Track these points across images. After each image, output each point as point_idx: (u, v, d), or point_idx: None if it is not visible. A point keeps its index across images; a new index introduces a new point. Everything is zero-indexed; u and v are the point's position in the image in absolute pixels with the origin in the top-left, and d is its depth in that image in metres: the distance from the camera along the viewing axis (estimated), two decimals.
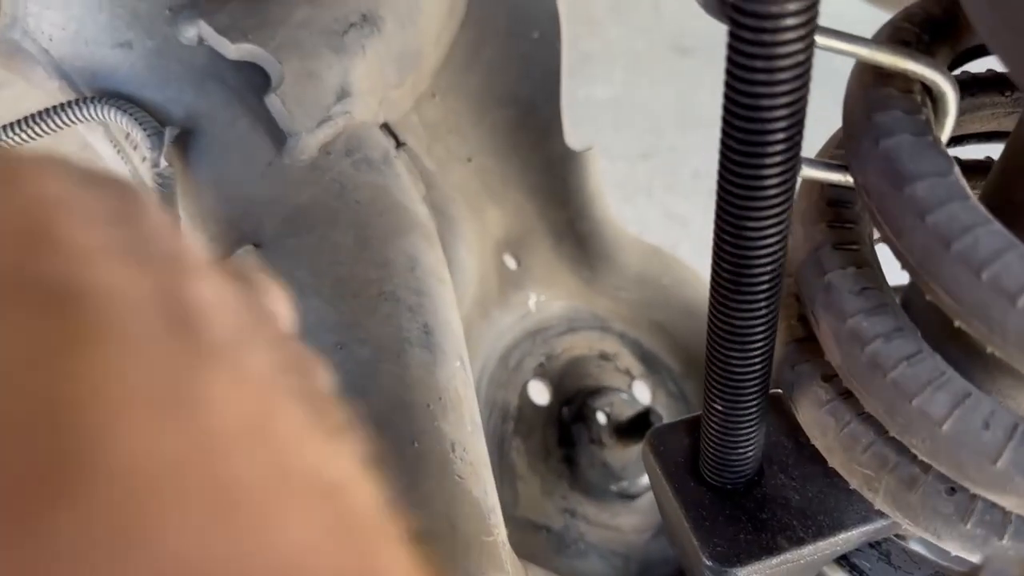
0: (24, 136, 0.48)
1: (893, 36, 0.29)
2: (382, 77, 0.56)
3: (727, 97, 0.23)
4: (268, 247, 0.48)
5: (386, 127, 0.58)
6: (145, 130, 0.47)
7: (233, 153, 0.49)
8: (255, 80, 0.51)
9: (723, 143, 0.24)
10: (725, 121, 0.23)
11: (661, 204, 1.34)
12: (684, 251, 1.32)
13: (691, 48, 1.67)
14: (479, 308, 0.61)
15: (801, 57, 0.21)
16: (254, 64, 0.50)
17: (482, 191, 0.65)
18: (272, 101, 0.49)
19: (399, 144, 0.58)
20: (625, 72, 1.49)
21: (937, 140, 0.26)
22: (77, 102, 0.48)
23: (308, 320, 0.46)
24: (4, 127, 0.48)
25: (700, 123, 1.54)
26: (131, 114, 0.47)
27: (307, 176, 0.50)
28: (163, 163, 0.46)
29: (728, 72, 0.22)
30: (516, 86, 0.64)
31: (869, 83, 0.28)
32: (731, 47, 0.22)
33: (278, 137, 0.50)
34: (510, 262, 0.66)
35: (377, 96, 0.56)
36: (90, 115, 0.48)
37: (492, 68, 0.64)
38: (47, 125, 0.48)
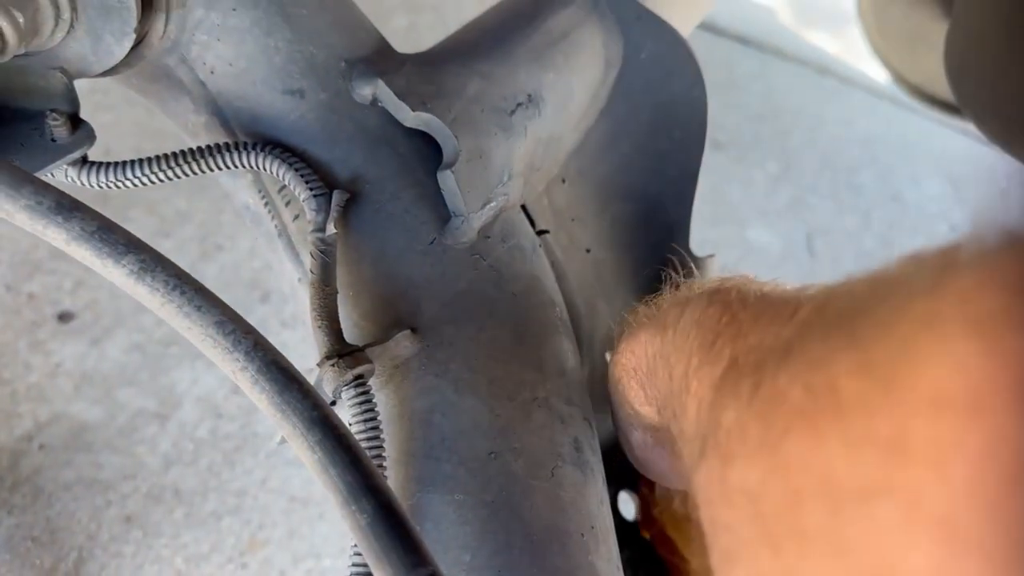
0: (168, 175, 0.44)
1: None
2: (531, 159, 0.53)
3: None
4: (425, 333, 0.44)
5: (524, 210, 0.55)
6: (311, 190, 0.43)
7: (395, 227, 0.45)
8: (424, 152, 0.47)
9: None
10: None
11: None
12: None
13: (724, 143, 1.68)
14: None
15: None
16: (423, 134, 0.47)
17: (595, 284, 0.62)
18: (445, 178, 0.45)
19: (537, 230, 0.55)
20: None
21: None
22: (237, 146, 0.44)
23: (462, 423, 0.42)
24: (145, 161, 0.44)
25: (729, 219, 1.55)
26: (298, 170, 0.44)
27: (467, 260, 0.46)
28: (331, 229, 0.42)
29: None
30: (647, 182, 0.62)
31: None
32: None
33: (441, 215, 0.46)
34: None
35: (524, 178, 0.53)
36: (249, 162, 0.44)
37: (625, 160, 0.62)
38: (197, 165, 0.44)
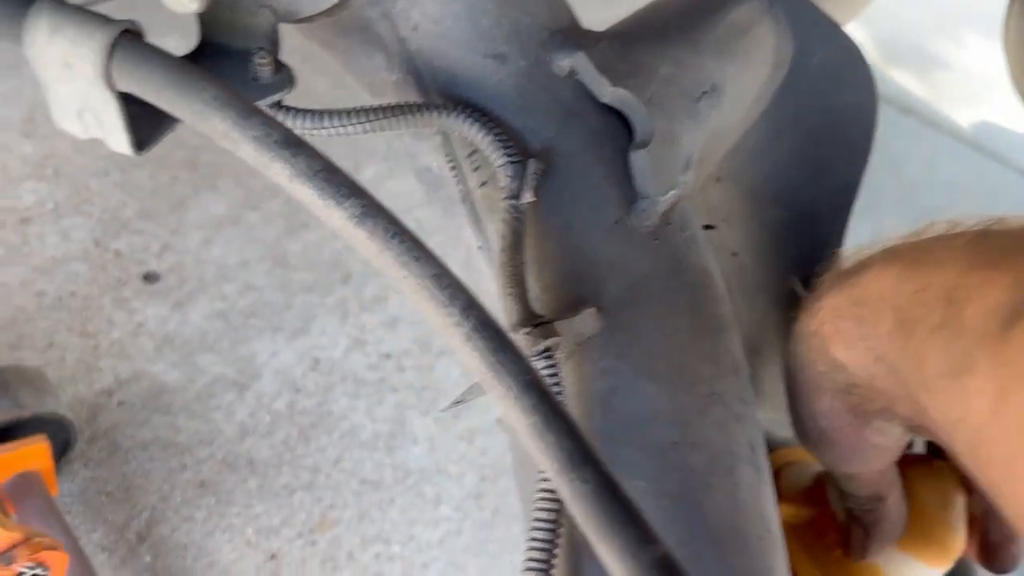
0: (364, 128, 0.43)
1: None
2: (703, 151, 0.52)
3: None
4: (608, 313, 0.42)
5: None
6: (509, 156, 0.42)
7: (583, 202, 0.44)
8: (614, 129, 0.46)
9: None
10: None
11: None
12: None
13: None
14: None
15: None
16: (613, 111, 0.46)
17: (737, 290, 0.60)
18: (638, 157, 0.44)
19: (704, 225, 0.54)
20: None
21: None
22: (437, 106, 0.43)
23: (642, 409, 0.41)
24: (342, 113, 0.43)
25: None
26: (496, 135, 0.43)
27: (649, 244, 0.45)
28: (527, 197, 0.41)
29: None
30: (802, 190, 0.61)
31: None
32: None
33: (628, 195, 0.45)
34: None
35: (699, 169, 0.52)
36: (446, 123, 0.43)
37: (782, 166, 0.60)
38: (397, 121, 0.43)
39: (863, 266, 0.41)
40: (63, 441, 0.92)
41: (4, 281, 1.09)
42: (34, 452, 0.84)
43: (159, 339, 1.10)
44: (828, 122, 0.59)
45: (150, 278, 1.16)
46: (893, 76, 2.09)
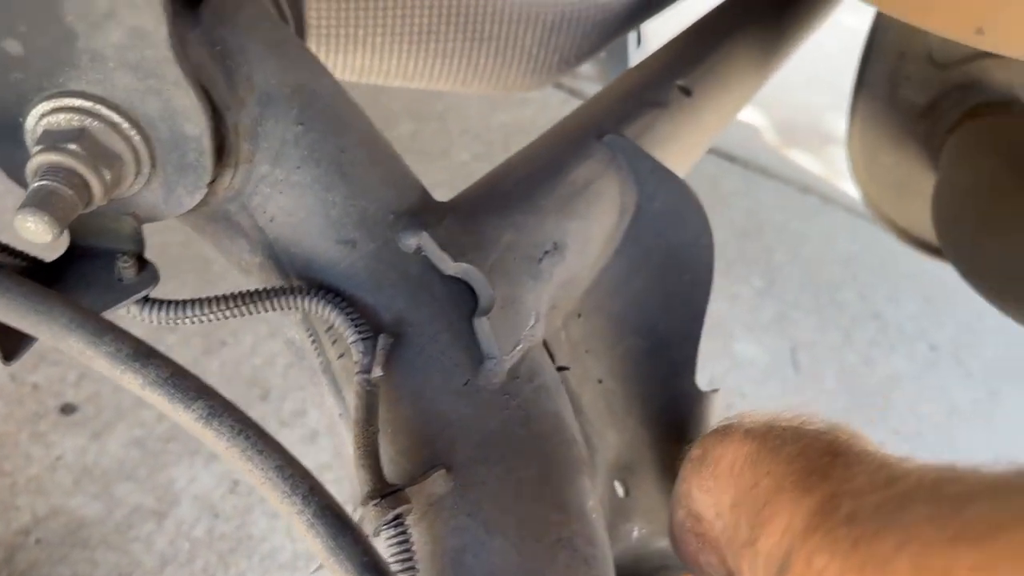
0: (225, 315, 0.47)
1: None
2: (553, 300, 0.57)
3: None
4: (458, 472, 0.47)
5: (545, 345, 0.58)
6: (360, 333, 0.47)
7: (433, 368, 0.48)
8: (460, 297, 0.51)
9: None
10: None
11: None
12: None
13: None
14: None
15: None
16: (460, 280, 0.50)
17: (606, 414, 0.65)
18: (481, 324, 0.49)
19: (558, 366, 0.58)
20: None
21: None
22: (292, 289, 0.47)
23: (493, 564, 0.45)
24: (203, 301, 0.47)
25: (716, 333, 1.60)
26: (348, 314, 0.47)
27: (498, 401, 0.50)
28: (377, 372, 0.45)
29: None
30: (657, 320, 0.66)
31: None
32: None
33: (474, 357, 0.50)
34: (619, 489, 0.66)
35: (553, 315, 0.57)
36: (301, 304, 0.48)
37: (637, 298, 0.66)
38: (255, 307, 0.47)
39: (724, 437, 0.46)
40: None
41: None
42: None
43: (77, 471, 1.10)
44: (673, 258, 0.65)
45: (67, 409, 1.17)
46: (792, 157, 2.22)
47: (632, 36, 1.15)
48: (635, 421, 0.67)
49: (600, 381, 0.66)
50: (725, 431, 0.46)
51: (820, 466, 0.35)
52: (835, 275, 1.84)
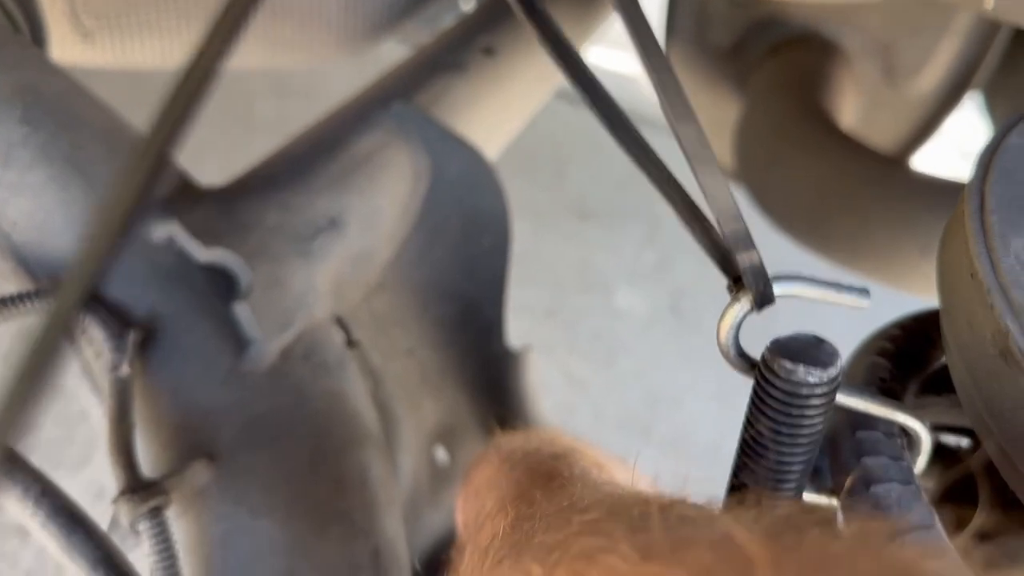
0: None
1: (871, 374, 0.33)
2: (339, 276, 0.57)
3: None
4: (222, 459, 0.46)
5: (339, 321, 0.58)
6: (108, 330, 0.46)
7: (193, 358, 0.48)
8: (221, 283, 0.50)
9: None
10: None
11: (563, 365, 1.38)
12: (583, 415, 1.36)
13: (589, 213, 1.76)
14: (412, 509, 0.61)
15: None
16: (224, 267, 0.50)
17: (420, 383, 0.65)
18: (240, 309, 0.48)
19: (351, 342, 0.58)
20: (532, 229, 1.56)
21: (919, 488, 0.30)
22: (36, 292, 0.46)
23: (258, 544, 0.45)
24: None
25: (596, 286, 1.62)
26: (94, 312, 0.46)
27: (266, 383, 0.49)
28: (125, 369, 0.45)
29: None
30: (462, 285, 0.66)
31: (855, 422, 0.31)
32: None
33: (240, 343, 0.49)
34: (441, 455, 0.67)
35: (333, 293, 0.57)
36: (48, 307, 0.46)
37: (440, 266, 0.66)
38: (8, 312, 0.46)
39: (481, 459, 0.47)
40: None
41: None
42: None
43: None
44: (471, 224, 0.65)
45: None
46: None
47: None
48: (452, 387, 0.68)
49: (411, 351, 0.66)
50: (483, 453, 0.48)
51: (529, 490, 0.36)
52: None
